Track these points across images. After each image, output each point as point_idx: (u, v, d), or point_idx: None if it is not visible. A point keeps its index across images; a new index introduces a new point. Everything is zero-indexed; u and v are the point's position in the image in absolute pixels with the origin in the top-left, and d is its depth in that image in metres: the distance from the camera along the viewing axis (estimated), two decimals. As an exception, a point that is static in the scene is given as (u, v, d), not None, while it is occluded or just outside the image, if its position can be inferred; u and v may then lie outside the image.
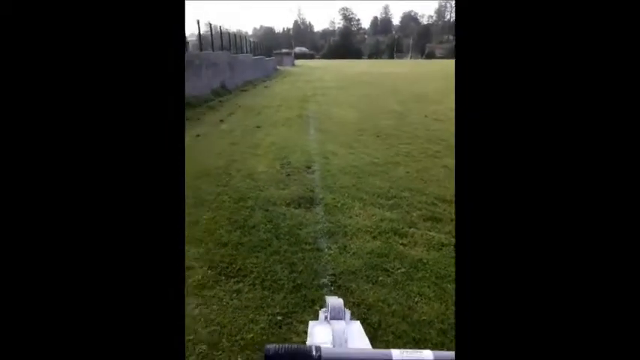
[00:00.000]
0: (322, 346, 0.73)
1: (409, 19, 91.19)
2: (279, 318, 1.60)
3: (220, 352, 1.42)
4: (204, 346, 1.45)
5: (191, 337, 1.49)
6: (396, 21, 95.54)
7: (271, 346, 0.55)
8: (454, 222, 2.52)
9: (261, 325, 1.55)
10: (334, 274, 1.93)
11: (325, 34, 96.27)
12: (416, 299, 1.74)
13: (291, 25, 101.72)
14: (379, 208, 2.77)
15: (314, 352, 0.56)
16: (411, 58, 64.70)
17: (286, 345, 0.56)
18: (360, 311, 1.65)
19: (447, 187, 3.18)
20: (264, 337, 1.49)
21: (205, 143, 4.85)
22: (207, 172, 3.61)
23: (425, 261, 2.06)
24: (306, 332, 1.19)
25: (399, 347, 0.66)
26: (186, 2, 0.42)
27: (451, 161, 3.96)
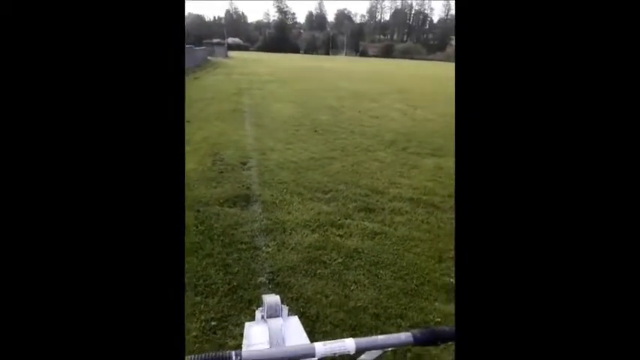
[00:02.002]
0: (251, 347, 0.69)
1: (343, 16, 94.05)
2: (214, 323, 1.51)
3: (145, 372, 1.28)
4: None
5: None
6: (330, 18, 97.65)
7: (190, 357, 0.51)
8: (385, 211, 2.71)
9: (194, 334, 1.45)
10: (272, 272, 1.90)
11: (259, 25, 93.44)
12: (352, 287, 1.82)
13: (222, 14, 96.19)
14: (317, 201, 2.81)
15: (234, 358, 0.53)
16: (346, 54, 66.98)
17: (205, 354, 0.53)
18: (298, 305, 1.65)
19: (379, 179, 3.38)
20: (197, 346, 1.39)
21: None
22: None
23: (360, 250, 2.16)
24: (242, 335, 1.14)
25: (336, 336, 0.66)
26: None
27: (382, 154, 4.22)
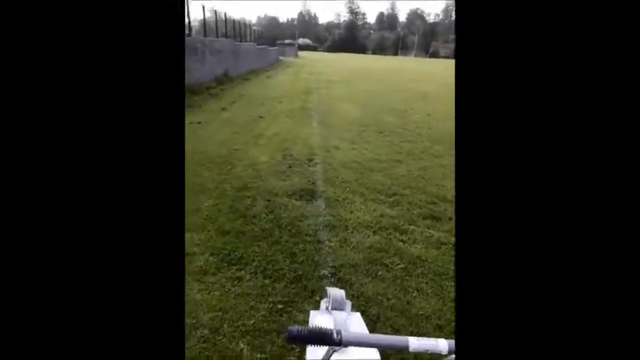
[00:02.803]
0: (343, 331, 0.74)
1: (415, 16, 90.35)
2: (280, 306, 1.62)
3: (222, 337, 1.45)
4: (205, 331, 1.47)
5: (193, 322, 1.51)
6: (402, 17, 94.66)
7: (293, 328, 0.57)
8: (453, 221, 2.56)
9: (262, 313, 1.58)
10: (334, 267, 1.96)
11: (330, 26, 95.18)
12: (414, 294, 1.78)
13: (295, 16, 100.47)
14: (380, 204, 2.79)
15: (335, 336, 0.58)
16: (415, 55, 64.24)
17: (308, 327, 0.58)
18: (359, 303, 1.67)
19: (446, 187, 3.20)
20: (265, 324, 1.51)
21: (207, 131, 4.82)
22: (209, 159, 3.60)
23: (424, 258, 2.09)
24: (307, 321, 1.21)
25: None
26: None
27: (451, 160, 3.98)
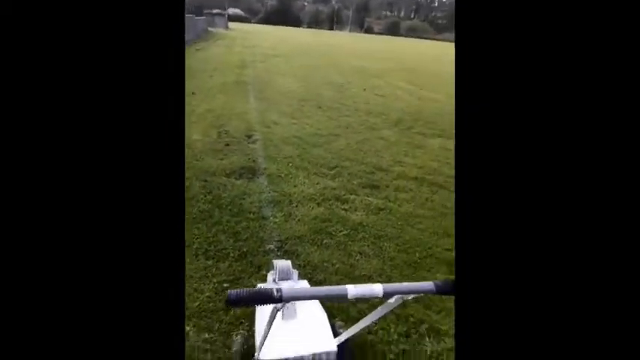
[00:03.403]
0: (283, 286, 0.73)
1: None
2: (226, 285, 1.57)
3: (162, 325, 1.36)
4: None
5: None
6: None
7: (232, 291, 0.55)
8: (389, 189, 2.74)
9: (207, 294, 1.51)
10: (280, 240, 1.96)
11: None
12: (357, 257, 1.88)
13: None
14: (322, 177, 2.84)
15: (275, 293, 0.57)
16: (350, 31, 64.74)
17: (247, 289, 0.56)
18: (305, 272, 1.72)
19: (384, 157, 3.39)
20: (211, 304, 1.46)
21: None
22: (132, 140, 3.20)
23: (364, 224, 2.21)
24: None
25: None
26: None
27: (388, 133, 4.21)
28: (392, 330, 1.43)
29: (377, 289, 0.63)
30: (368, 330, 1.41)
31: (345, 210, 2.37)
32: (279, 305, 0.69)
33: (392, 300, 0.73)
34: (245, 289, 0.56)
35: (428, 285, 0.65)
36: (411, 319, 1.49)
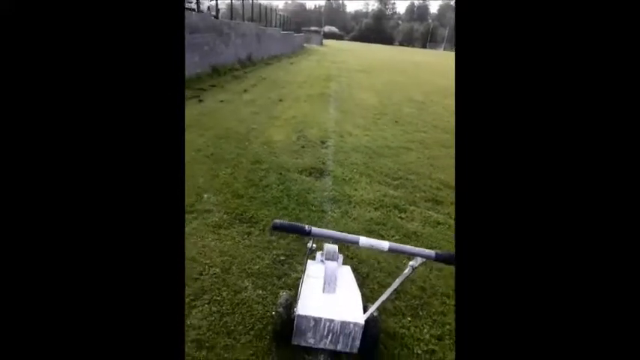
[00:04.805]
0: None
1: (447, 8, 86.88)
2: (282, 258, 1.84)
3: (230, 276, 1.69)
4: (217, 269, 1.72)
5: (207, 262, 1.76)
6: (433, 9, 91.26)
7: (277, 221, 0.79)
8: (453, 206, 2.68)
9: (266, 262, 1.81)
10: (334, 233, 2.15)
11: (357, 15, 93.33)
12: (404, 261, 1.95)
13: (323, 3, 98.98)
14: (385, 185, 2.95)
15: (306, 228, 0.79)
16: (444, 49, 62.06)
17: (288, 222, 0.81)
18: (352, 263, 1.87)
19: (454, 175, 3.30)
20: (268, 270, 1.74)
21: (228, 109, 5.08)
22: (228, 134, 3.85)
23: (419, 233, 2.25)
24: (303, 270, 1.43)
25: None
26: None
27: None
28: (425, 330, 1.48)
29: (384, 244, 0.80)
30: (401, 324, 1.49)
31: (402, 218, 2.44)
32: (311, 246, 0.91)
33: (406, 271, 0.89)
34: (287, 222, 0.80)
35: (429, 252, 0.79)
36: (447, 327, 1.51)
